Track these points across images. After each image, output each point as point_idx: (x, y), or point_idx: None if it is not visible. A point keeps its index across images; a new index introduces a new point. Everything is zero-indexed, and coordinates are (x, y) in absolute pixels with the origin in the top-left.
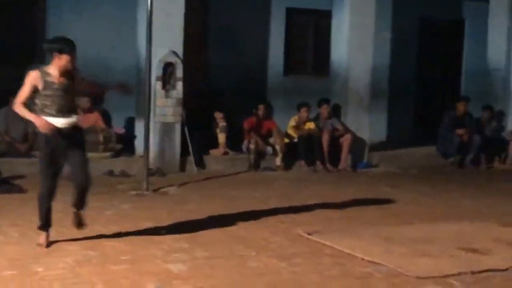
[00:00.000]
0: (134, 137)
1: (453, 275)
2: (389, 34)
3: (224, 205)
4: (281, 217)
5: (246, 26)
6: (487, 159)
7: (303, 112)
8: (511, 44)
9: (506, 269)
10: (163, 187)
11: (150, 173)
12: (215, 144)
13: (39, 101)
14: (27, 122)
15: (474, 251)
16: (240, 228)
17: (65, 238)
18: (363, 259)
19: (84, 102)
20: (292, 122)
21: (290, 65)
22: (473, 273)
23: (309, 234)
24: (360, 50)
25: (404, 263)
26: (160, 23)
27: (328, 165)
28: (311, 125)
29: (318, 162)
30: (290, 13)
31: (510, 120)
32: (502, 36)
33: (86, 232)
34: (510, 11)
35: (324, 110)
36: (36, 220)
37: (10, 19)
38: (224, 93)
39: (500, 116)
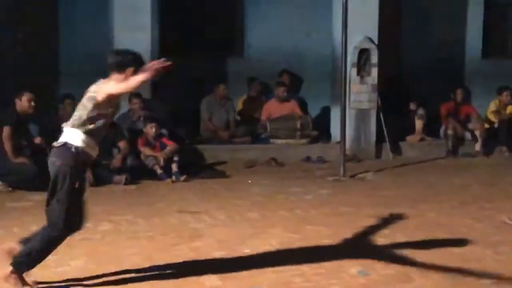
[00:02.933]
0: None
1: None
2: None
3: (421, 191)
4: (484, 204)
5: (441, 8)
6: None
7: (505, 96)
8: None
9: None
10: (359, 173)
11: (346, 159)
12: (411, 130)
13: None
14: (229, 111)
15: None
16: (440, 215)
17: (268, 222)
18: None
19: (281, 91)
20: (492, 106)
21: (489, 48)
22: None
23: None
24: None
25: None
26: (355, 10)
27: None
28: None
29: None
30: None
31: None
32: None
33: (288, 215)
34: None
35: None
36: (240, 204)
37: (210, 8)
38: (420, 77)
39: None
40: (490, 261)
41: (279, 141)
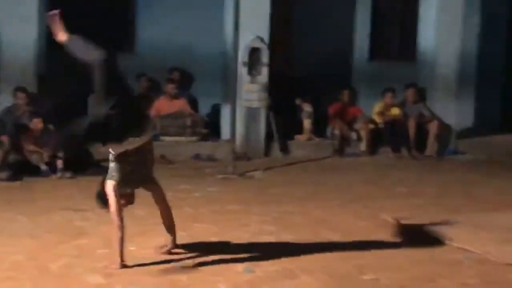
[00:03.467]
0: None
1: None
2: (478, 18)
3: (308, 190)
4: (367, 202)
5: (331, 11)
6: None
7: (389, 98)
8: None
9: None
10: (248, 171)
11: (236, 157)
12: (300, 130)
13: None
14: None
15: None
16: (325, 213)
17: (156, 219)
18: (452, 245)
19: (170, 88)
20: (377, 107)
21: (376, 50)
22: None
23: (395, 220)
24: (448, 35)
25: (494, 250)
26: (246, 9)
27: (414, 152)
28: (396, 111)
29: (403, 148)
30: None
31: None
32: None
33: (176, 213)
34: None
35: (410, 94)
36: None
37: (101, 2)
38: (309, 78)
39: None
40: (370, 257)
41: (168, 138)
